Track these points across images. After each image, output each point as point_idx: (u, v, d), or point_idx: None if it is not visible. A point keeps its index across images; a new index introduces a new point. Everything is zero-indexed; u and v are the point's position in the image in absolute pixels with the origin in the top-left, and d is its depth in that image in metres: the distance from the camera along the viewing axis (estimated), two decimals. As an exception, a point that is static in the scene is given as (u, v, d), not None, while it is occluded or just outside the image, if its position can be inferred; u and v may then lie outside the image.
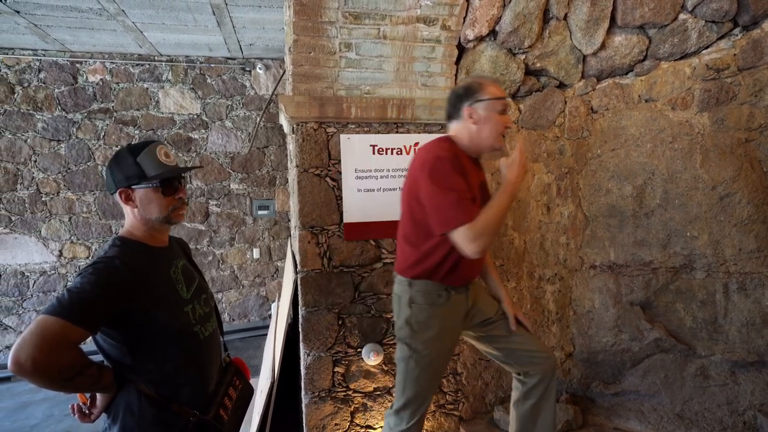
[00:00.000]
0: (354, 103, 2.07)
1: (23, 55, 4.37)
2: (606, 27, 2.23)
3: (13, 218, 4.47)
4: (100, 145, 4.64)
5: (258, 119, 5.02)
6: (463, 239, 1.36)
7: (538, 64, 2.30)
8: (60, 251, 4.63)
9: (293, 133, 2.10)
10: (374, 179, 2.18)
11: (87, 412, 1.15)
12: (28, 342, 0.94)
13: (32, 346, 0.94)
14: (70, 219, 4.63)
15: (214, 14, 3.58)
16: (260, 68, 4.92)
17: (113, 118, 4.65)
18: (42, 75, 4.44)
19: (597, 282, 2.40)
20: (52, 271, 4.62)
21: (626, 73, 2.38)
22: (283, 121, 2.54)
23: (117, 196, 1.20)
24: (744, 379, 2.18)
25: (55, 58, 4.45)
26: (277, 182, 5.22)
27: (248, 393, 1.43)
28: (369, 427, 2.26)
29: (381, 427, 2.26)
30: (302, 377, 2.18)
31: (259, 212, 5.16)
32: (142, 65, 4.69)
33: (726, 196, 2.18)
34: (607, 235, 2.37)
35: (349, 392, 2.22)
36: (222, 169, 5.02)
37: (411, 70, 2.16)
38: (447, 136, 1.61)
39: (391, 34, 2.06)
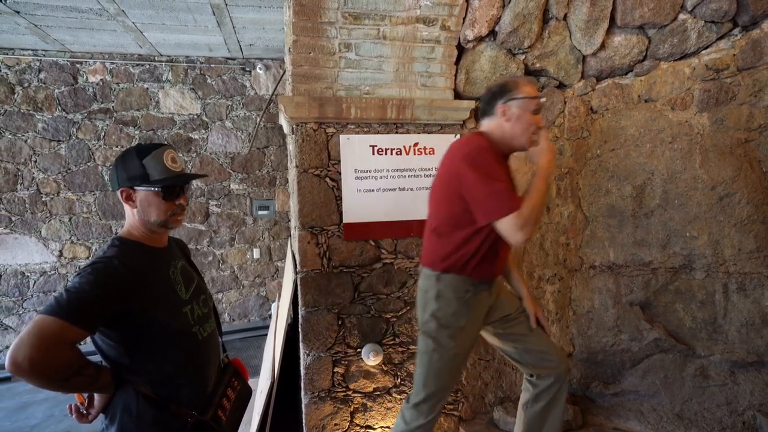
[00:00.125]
0: (354, 104, 2.07)
1: (23, 55, 4.37)
2: (605, 27, 2.23)
3: (13, 218, 4.47)
4: (100, 146, 4.64)
5: (258, 119, 5.02)
6: (512, 227, 1.38)
7: (537, 65, 2.30)
8: (60, 251, 4.63)
9: (293, 134, 2.10)
10: (374, 179, 2.18)
11: (85, 412, 1.15)
12: (26, 342, 0.94)
13: (29, 346, 0.94)
14: (70, 219, 4.63)
15: (214, 14, 3.58)
16: (260, 68, 4.92)
17: (113, 119, 4.65)
18: (42, 75, 4.44)
19: (597, 282, 2.40)
20: (53, 272, 4.62)
21: (626, 74, 2.38)
22: (283, 121, 2.55)
23: (119, 193, 1.21)
24: (743, 379, 2.17)
25: (55, 59, 4.45)
26: (277, 182, 5.22)
27: (246, 394, 1.43)
28: (369, 427, 2.26)
29: (381, 427, 2.26)
30: (302, 377, 2.18)
31: (259, 212, 5.16)
32: (142, 65, 4.70)
33: (725, 197, 2.17)
34: (607, 235, 2.37)
35: (349, 392, 2.22)
36: (222, 170, 5.02)
37: (410, 71, 2.16)
38: (479, 132, 1.62)
39: (391, 34, 2.06)
